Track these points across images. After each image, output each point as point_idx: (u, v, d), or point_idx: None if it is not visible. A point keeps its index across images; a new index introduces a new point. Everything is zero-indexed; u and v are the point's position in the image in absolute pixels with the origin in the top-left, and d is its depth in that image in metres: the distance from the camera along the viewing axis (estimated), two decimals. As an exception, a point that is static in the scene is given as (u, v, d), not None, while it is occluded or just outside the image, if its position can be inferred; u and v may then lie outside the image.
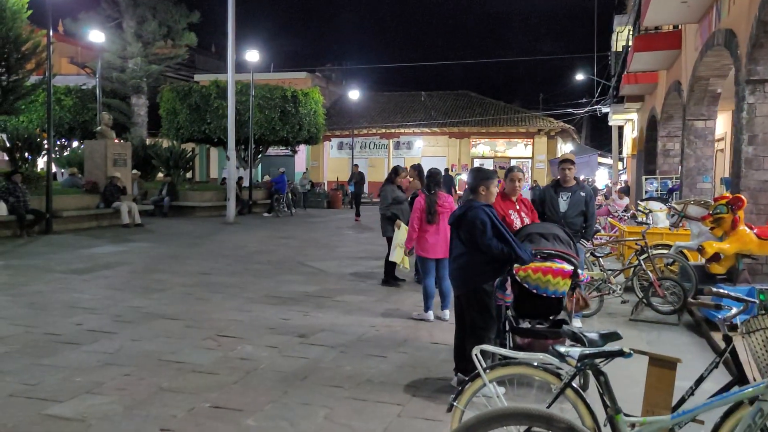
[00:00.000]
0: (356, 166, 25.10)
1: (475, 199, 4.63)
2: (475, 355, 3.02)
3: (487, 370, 3.01)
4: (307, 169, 37.65)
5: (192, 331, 6.14)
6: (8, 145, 15.11)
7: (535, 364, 2.99)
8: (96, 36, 20.07)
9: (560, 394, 2.89)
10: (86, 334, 5.95)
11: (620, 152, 33.51)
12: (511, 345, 4.80)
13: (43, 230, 13.86)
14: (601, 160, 38.52)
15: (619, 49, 26.45)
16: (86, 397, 4.35)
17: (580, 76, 32.79)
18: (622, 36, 24.84)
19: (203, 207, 20.55)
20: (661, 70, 15.15)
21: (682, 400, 2.82)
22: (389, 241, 8.62)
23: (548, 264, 4.51)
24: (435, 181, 6.74)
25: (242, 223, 18.43)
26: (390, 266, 8.64)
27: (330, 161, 40.27)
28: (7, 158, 16.00)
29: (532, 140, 37.16)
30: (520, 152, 37.69)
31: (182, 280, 8.87)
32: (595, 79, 30.80)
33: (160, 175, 23.38)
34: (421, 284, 8.76)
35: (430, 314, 6.68)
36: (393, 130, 38.36)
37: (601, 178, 39.36)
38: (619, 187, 29.18)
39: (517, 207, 5.49)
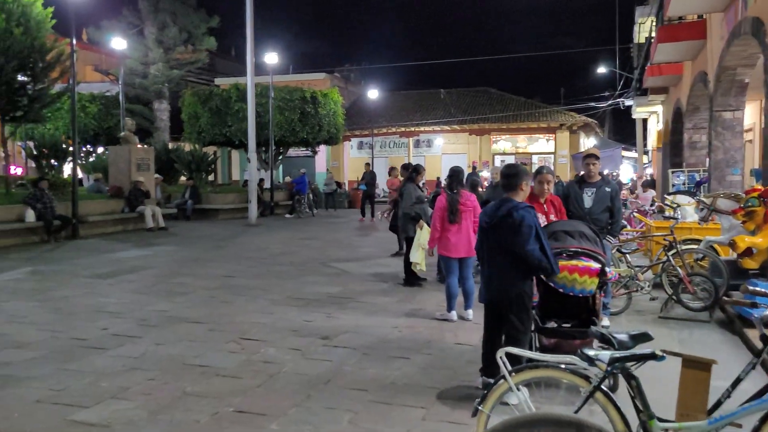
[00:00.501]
0: (368, 165, 24.41)
1: (512, 198, 4.37)
2: (500, 357, 2.95)
3: (513, 373, 2.94)
4: (328, 169, 37.74)
5: (215, 334, 6.14)
6: (35, 152, 15.33)
7: (563, 366, 2.91)
8: (118, 43, 20.31)
9: (589, 398, 2.81)
10: (112, 338, 5.98)
11: (645, 145, 33.00)
12: (537, 346, 4.72)
13: (70, 235, 14.05)
14: (625, 153, 37.98)
15: (642, 40, 26.08)
16: (111, 402, 4.36)
17: (602, 69, 32.33)
18: (644, 27, 24.46)
19: (226, 209, 20.67)
20: (685, 60, 14.86)
21: (719, 403, 2.72)
22: (409, 241, 8.55)
23: (574, 262, 4.41)
24: (457, 179, 6.65)
25: (264, 224, 18.50)
26: (410, 266, 8.56)
27: (350, 161, 40.30)
28: (34, 165, 16.21)
29: (554, 135, 36.78)
30: (542, 147, 37.36)
31: (205, 283, 8.90)
32: (617, 72, 30.36)
33: (183, 178, 23.59)
34: (443, 284, 8.76)
35: (454, 314, 6.60)
36: (413, 129, 38.26)
37: (626, 173, 38.79)
38: (643, 180, 28.76)
39: (545, 209, 5.36)
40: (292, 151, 31.69)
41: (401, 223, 8.56)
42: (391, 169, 8.20)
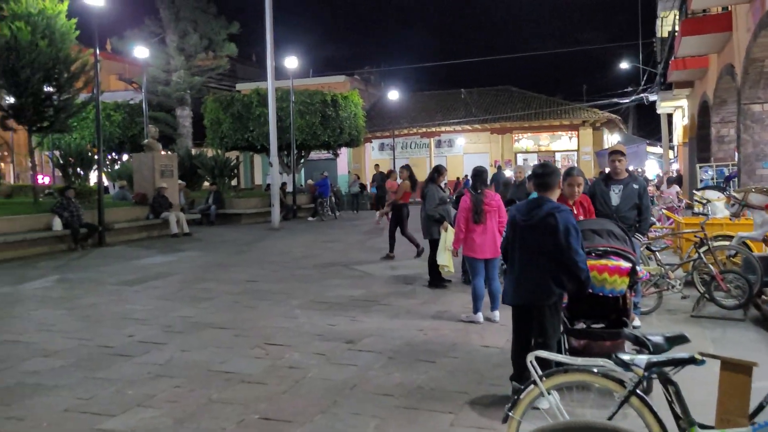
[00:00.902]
0: (377, 166, 24.20)
1: (548, 198, 4.22)
2: (531, 361, 2.87)
3: (544, 378, 2.86)
4: (349, 171, 37.81)
5: (240, 339, 6.13)
6: (61, 161, 15.57)
7: (596, 371, 2.82)
8: (141, 52, 20.53)
9: (624, 403, 2.72)
10: (138, 345, 6.00)
11: (670, 141, 32.48)
12: (566, 348, 4.62)
13: (96, 243, 14.21)
14: (650, 149, 37.43)
15: (665, 35, 25.67)
16: (137, 410, 4.36)
17: (624, 65, 31.90)
18: (667, 21, 24.09)
19: (249, 214, 20.77)
20: (710, 53, 14.57)
21: (761, 407, 2.61)
22: (432, 243, 8.48)
23: (604, 262, 4.30)
24: (481, 179, 6.55)
25: (287, 228, 18.55)
26: (435, 268, 8.49)
27: (371, 163, 40.30)
28: (61, 174, 16.46)
29: (577, 132, 36.39)
30: (565, 145, 36.99)
31: (229, 288, 8.92)
32: (640, 67, 29.91)
33: (206, 183, 23.78)
34: (468, 285, 8.67)
35: (480, 316, 6.51)
36: (434, 129, 38.15)
37: (651, 169, 38.24)
38: (668, 176, 28.30)
39: (574, 211, 5.23)
40: (314, 154, 31.76)
41: (425, 225, 8.48)
42: (390, 172, 8.13)
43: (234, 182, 26.81)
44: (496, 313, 6.53)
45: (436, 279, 8.51)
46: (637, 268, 4.34)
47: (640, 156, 33.29)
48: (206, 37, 24.19)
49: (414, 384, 4.76)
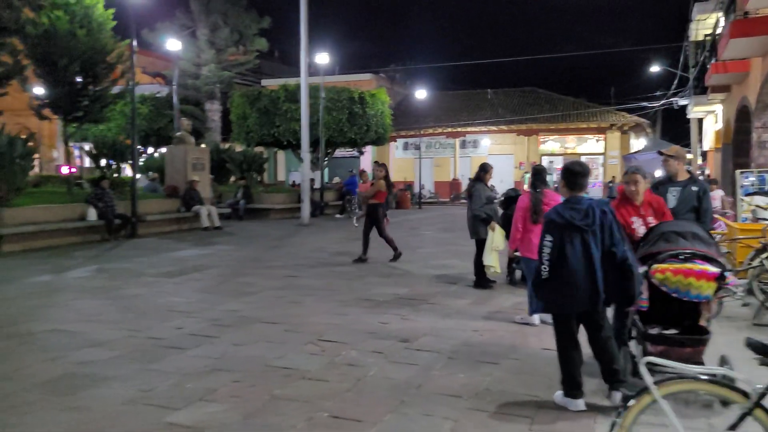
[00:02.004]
0: (376, 162, 22.39)
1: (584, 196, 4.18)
2: (645, 365, 2.71)
3: (658, 386, 2.70)
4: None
5: (292, 335, 6.02)
6: (94, 152, 15.61)
7: (717, 380, 2.65)
8: (173, 45, 20.55)
9: (747, 415, 2.55)
10: (188, 338, 5.91)
11: (700, 146, 31.94)
12: (633, 354, 4.46)
13: (129, 234, 14.22)
14: (678, 154, 36.87)
15: (699, 38, 25.22)
16: (201, 404, 4.25)
17: (655, 68, 31.41)
18: (704, 24, 23.65)
19: (277, 209, 20.73)
20: (755, 57, 14.23)
21: None
22: (479, 243, 8.31)
23: (689, 266, 4.12)
24: (541, 178, 6.38)
25: (316, 224, 18.47)
26: (481, 268, 8.32)
27: (395, 161, 40.15)
28: (93, 165, 16.52)
29: (604, 135, 36.01)
30: (592, 148, 36.63)
31: (270, 283, 8.82)
32: (673, 71, 29.44)
33: (233, 178, 23.77)
34: (513, 286, 8.51)
35: (536, 318, 6.34)
36: (459, 129, 37.93)
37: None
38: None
39: (642, 212, 5.02)
40: (338, 152, 31.69)
41: (471, 224, 8.30)
42: (362, 173, 7.90)
43: (259, 178, 26.77)
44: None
45: (482, 279, 8.34)
46: (726, 273, 4.14)
47: (668, 161, 32.87)
48: (237, 31, 24.18)
49: (480, 386, 4.61)
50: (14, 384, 4.61)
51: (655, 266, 4.26)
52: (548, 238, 4.04)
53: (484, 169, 8.38)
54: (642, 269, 4.22)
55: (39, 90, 26.70)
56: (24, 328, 6.25)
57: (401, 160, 40.37)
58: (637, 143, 38.47)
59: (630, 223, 4.98)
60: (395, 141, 38.89)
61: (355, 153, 34.50)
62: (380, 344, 5.69)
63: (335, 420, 4.01)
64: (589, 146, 36.73)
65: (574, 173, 4.23)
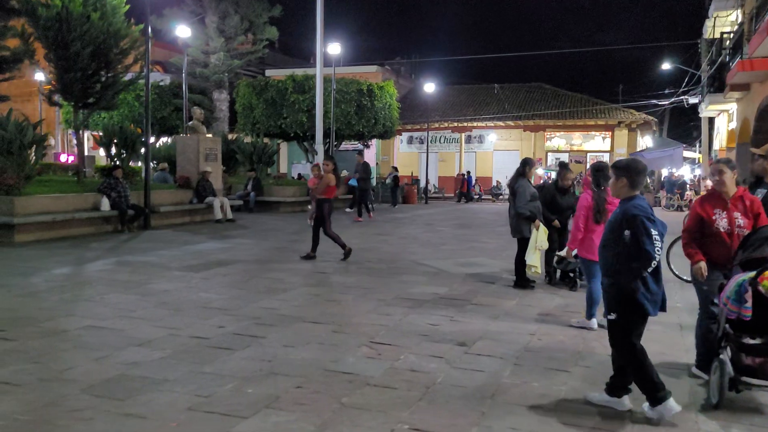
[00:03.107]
0: (360, 154, 20.48)
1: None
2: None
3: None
4: (377, 163, 37.33)
5: (341, 336, 5.73)
6: (104, 140, 15.24)
7: None
8: (182, 31, 20.13)
9: None
10: (233, 338, 5.62)
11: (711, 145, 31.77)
12: (735, 367, 4.19)
13: (142, 225, 13.89)
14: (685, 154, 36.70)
15: (714, 35, 25.00)
16: (268, 413, 3.97)
17: (666, 66, 31.16)
18: (721, 21, 23.42)
19: (287, 202, 20.39)
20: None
21: None
22: (521, 242, 8.03)
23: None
24: (603, 176, 6.09)
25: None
26: (522, 267, 8.06)
27: (399, 155, 39.84)
28: (105, 154, 16.15)
29: (611, 133, 35.78)
30: (598, 145, 36.40)
31: (301, 279, 8.53)
32: (691, 70, 29.18)
33: (241, 169, 23.40)
34: (552, 286, 8.26)
35: (594, 322, 6.08)
36: (465, 124, 37.61)
37: (683, 173, 37.48)
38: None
39: (729, 206, 4.74)
40: (343, 145, 31.35)
41: (514, 223, 8.01)
42: (313, 167, 7.56)
43: (267, 170, 26.43)
44: (610, 319, 6.08)
45: (523, 279, 8.08)
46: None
47: (675, 159, 32.65)
48: (247, 19, 23.74)
49: (558, 395, 4.35)
50: (67, 386, 4.32)
51: (754, 272, 3.99)
52: (655, 232, 3.84)
53: (528, 164, 8.10)
54: (745, 276, 3.95)
55: (40, 76, 26.14)
56: (61, 324, 5.95)
57: (406, 154, 40.07)
58: (643, 141, 38.25)
59: (711, 214, 4.73)
60: (400, 135, 38.54)
61: (359, 146, 34.19)
62: (437, 348, 5.41)
63: (418, 433, 3.73)
64: (595, 143, 36.49)
65: (639, 171, 4.13)
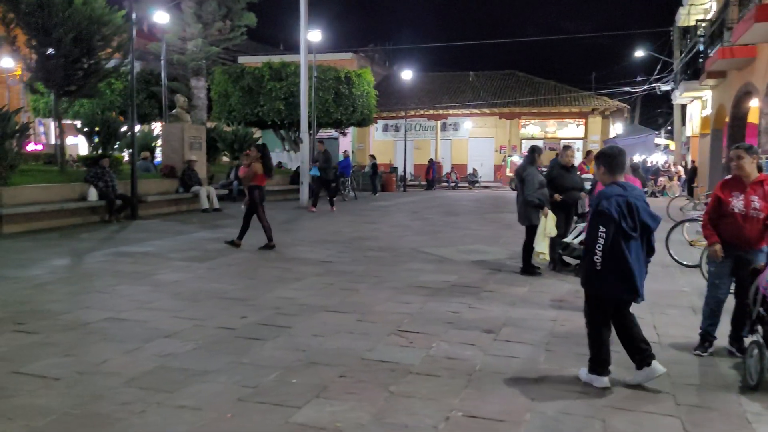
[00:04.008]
0: (321, 143, 18.72)
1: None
2: None
3: None
4: (353, 152, 37.19)
5: (368, 325, 5.74)
6: (86, 129, 14.87)
7: None
8: (161, 17, 19.69)
9: None
10: (260, 328, 5.59)
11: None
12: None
13: (129, 215, 13.64)
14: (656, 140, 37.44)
15: (688, 23, 25.47)
16: (320, 402, 3.97)
17: (640, 53, 31.65)
18: (696, 9, 23.86)
19: (272, 191, 20.17)
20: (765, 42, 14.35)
21: None
22: (529, 229, 8.13)
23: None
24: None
25: (316, 207, 18.07)
26: (529, 254, 8.17)
27: (375, 143, 39.77)
28: (73, 142, 15.76)
29: (585, 120, 36.28)
30: (572, 132, 36.89)
31: (310, 269, 8.49)
32: (667, 59, 29.64)
33: (223, 158, 23.08)
34: (557, 272, 8.38)
35: (612, 307, 6.18)
36: (441, 111, 37.70)
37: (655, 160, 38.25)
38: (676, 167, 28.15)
39: (747, 190, 4.89)
40: (320, 133, 31.18)
41: (523, 210, 8.09)
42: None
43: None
44: (629, 304, 6.21)
45: (530, 266, 8.18)
46: None
47: (648, 146, 33.35)
48: (224, 5, 23.33)
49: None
50: (109, 379, 4.25)
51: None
52: (603, 229, 4.16)
53: (537, 151, 8.18)
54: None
55: (7, 62, 25.25)
56: (80, 316, 5.83)
57: (381, 142, 40.02)
58: (614, 129, 38.88)
59: (729, 197, 4.92)
60: (376, 123, 38.41)
61: (333, 135, 34.02)
62: (465, 335, 5.47)
63: (474, 420, 3.78)
64: (569, 131, 36.97)
65: (614, 156, 4.42)
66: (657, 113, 50.26)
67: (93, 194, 12.73)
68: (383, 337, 5.40)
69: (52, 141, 25.71)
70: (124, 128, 15.13)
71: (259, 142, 23.71)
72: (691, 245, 9.66)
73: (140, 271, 8.09)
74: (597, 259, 4.06)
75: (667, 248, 9.08)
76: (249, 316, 5.97)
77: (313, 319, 5.91)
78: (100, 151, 14.94)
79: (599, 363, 4.28)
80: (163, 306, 6.33)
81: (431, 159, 34.62)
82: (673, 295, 7.14)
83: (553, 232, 7.93)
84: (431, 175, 32.84)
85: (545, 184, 8.06)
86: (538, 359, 4.88)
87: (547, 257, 8.03)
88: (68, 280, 7.49)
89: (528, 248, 8.12)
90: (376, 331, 5.56)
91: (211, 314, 6.03)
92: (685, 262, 8.73)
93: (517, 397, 4.11)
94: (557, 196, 8.35)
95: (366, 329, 5.61)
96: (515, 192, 8.68)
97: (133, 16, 13.55)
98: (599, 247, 4.05)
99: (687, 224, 9.83)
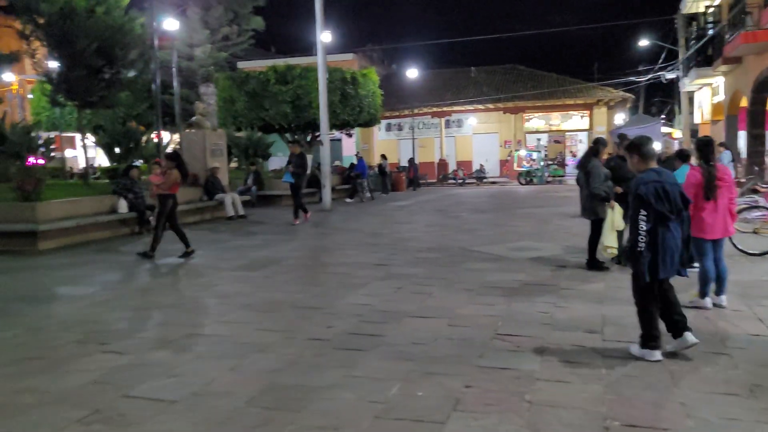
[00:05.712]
0: (295, 144, 15.74)
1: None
2: None
3: None
4: (357, 152, 36.95)
5: (462, 330, 5.51)
6: (107, 140, 14.58)
7: None
8: (170, 24, 19.38)
9: None
10: (353, 338, 5.36)
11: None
12: None
13: (157, 226, 13.34)
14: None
15: (694, 10, 25.37)
16: (462, 416, 3.74)
17: (644, 42, 31.47)
18: (705, -4, 23.71)
19: (288, 195, 19.89)
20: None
21: None
22: (595, 223, 7.93)
23: None
24: (711, 150, 5.98)
25: (337, 210, 17.87)
26: (595, 249, 7.96)
27: (379, 143, 39.52)
28: (106, 155, 15.48)
29: (589, 111, 36.14)
30: (577, 124, 36.77)
31: (368, 273, 8.25)
32: (672, 47, 29.49)
33: (233, 164, 22.83)
34: (621, 266, 8.17)
35: (708, 301, 5.98)
36: (444, 108, 37.48)
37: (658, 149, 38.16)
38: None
39: None
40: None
41: (588, 203, 7.88)
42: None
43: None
44: (723, 297, 6.02)
45: (595, 261, 7.98)
46: None
47: (654, 134, 33.21)
48: (231, 10, 23.05)
49: (740, 378, 4.23)
50: (224, 400, 4.00)
51: None
52: (644, 213, 4.50)
53: (602, 143, 7.97)
54: None
55: (9, 76, 24.85)
56: (159, 334, 5.60)
57: (385, 141, 39.77)
58: (618, 118, 38.78)
59: None
60: (379, 122, 38.18)
61: (337, 136, 33.70)
62: (569, 337, 5.25)
63: (634, 429, 3.55)
64: (574, 123, 36.83)
65: (644, 144, 4.70)
66: (656, 102, 50.30)
67: (123, 206, 12.45)
68: (485, 341, 5.17)
69: (51, 154, 25.43)
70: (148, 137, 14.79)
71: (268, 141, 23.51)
72: (755, 233, 9.48)
73: (197, 283, 7.84)
74: (641, 239, 4.42)
75: (729, 238, 8.87)
76: (335, 326, 5.73)
77: (403, 326, 5.68)
78: (120, 163, 14.62)
79: (650, 338, 4.60)
80: (239, 319, 6.08)
81: (411, 158, 34.14)
82: (758, 285, 6.95)
83: (621, 225, 7.70)
84: (412, 174, 32.51)
85: (610, 177, 7.85)
86: (664, 360, 4.65)
87: (616, 251, 7.80)
88: (127, 296, 7.24)
89: (593, 243, 7.91)
90: (475, 335, 5.33)
91: (294, 325, 5.79)
92: (751, 251, 8.53)
93: (666, 402, 3.90)
94: (618, 189, 8.14)
95: (464, 335, 5.38)
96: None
97: (154, 24, 13.23)
98: (642, 229, 4.43)
99: (744, 212, 9.62)
